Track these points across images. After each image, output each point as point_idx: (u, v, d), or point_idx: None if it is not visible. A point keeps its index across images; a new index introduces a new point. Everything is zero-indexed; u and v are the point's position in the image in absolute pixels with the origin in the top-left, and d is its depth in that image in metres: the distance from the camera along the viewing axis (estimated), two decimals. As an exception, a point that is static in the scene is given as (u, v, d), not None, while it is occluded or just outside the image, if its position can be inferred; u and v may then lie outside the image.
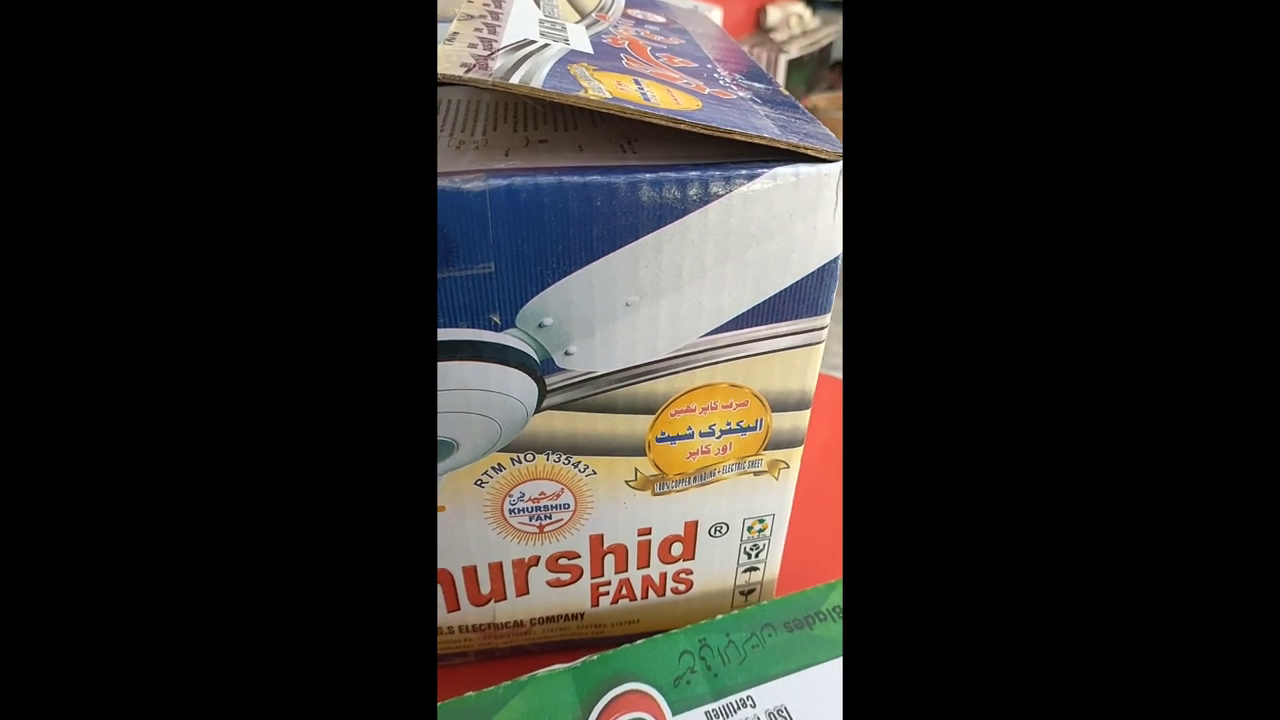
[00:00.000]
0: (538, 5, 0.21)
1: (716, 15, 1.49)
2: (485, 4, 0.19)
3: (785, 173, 0.15)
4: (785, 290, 0.16)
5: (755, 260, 0.16)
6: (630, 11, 0.24)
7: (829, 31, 1.90)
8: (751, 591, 0.23)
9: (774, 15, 1.83)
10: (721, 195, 0.15)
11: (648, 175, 0.14)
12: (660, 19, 0.25)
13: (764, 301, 0.16)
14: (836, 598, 0.22)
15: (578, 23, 0.21)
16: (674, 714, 0.19)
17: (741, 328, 0.17)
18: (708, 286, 0.16)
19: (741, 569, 0.22)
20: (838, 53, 2.00)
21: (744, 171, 0.15)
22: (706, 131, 0.14)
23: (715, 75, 0.19)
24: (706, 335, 0.16)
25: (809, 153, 0.15)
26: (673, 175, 0.14)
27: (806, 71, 1.82)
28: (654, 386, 0.17)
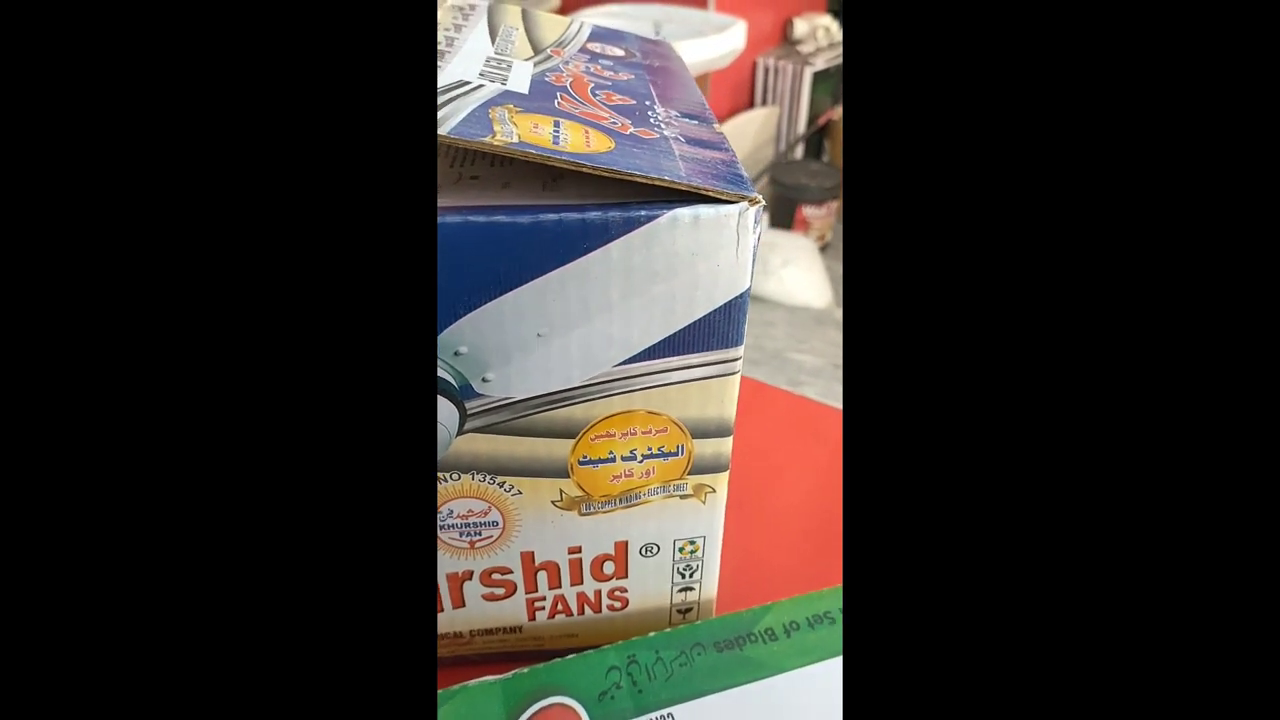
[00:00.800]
0: (492, 41, 0.22)
1: (740, 28, 1.50)
2: (437, 43, 0.20)
3: (685, 214, 0.15)
4: (694, 323, 0.17)
5: (661, 295, 0.16)
6: (590, 45, 0.25)
7: (856, 44, 1.90)
8: (689, 610, 0.23)
9: (800, 28, 1.83)
10: (623, 234, 0.15)
11: (550, 215, 0.15)
12: (619, 52, 0.25)
13: (674, 334, 0.17)
14: (770, 620, 0.22)
15: (528, 58, 0.21)
16: (594, 728, 0.19)
17: (654, 358, 0.17)
18: (616, 319, 0.16)
19: (676, 588, 0.22)
20: (865, 65, 1.98)
21: (643, 212, 0.15)
22: (607, 174, 0.15)
23: (649, 113, 0.19)
24: (620, 365, 0.17)
25: (710, 194, 0.16)
26: (575, 215, 0.15)
27: (832, 84, 1.82)
28: (572, 412, 0.18)
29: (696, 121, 0.20)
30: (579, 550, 0.21)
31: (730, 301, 0.17)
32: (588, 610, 0.22)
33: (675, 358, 0.17)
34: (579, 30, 0.27)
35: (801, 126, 1.83)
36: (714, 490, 0.20)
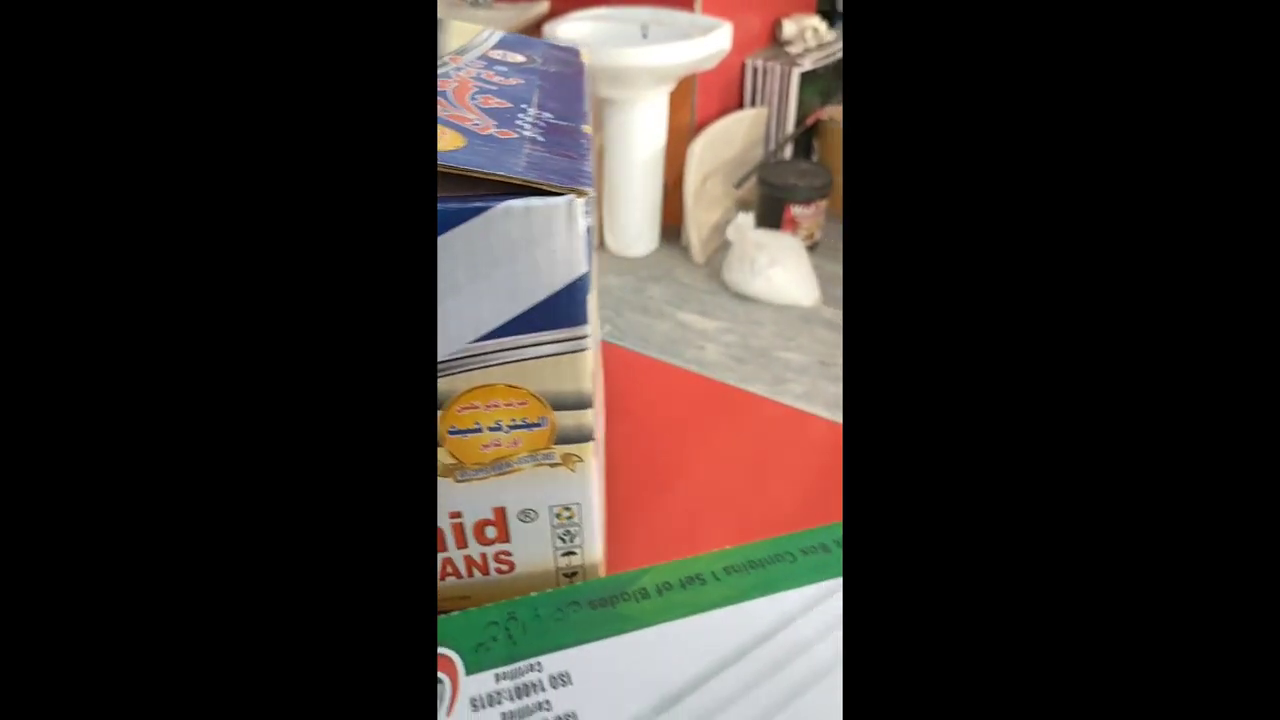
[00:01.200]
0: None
1: (726, 30, 1.51)
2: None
3: (517, 205, 0.17)
4: (539, 304, 0.19)
5: (504, 278, 0.18)
6: (491, 53, 0.27)
7: (845, 45, 1.91)
8: (574, 574, 0.25)
9: (789, 28, 1.84)
10: (462, 223, 0.17)
11: (394, 207, 0.17)
12: (520, 59, 0.27)
13: (522, 314, 0.19)
14: (645, 581, 0.24)
15: (421, 66, 0.23)
16: (468, 674, 0.21)
17: (505, 335, 0.19)
18: (465, 300, 0.18)
19: (559, 553, 0.24)
20: (855, 65, 2.00)
21: (478, 204, 0.17)
22: (449, 171, 0.17)
23: (519, 116, 0.21)
24: (474, 342, 0.19)
25: (542, 187, 0.18)
26: (416, 207, 0.17)
27: (821, 84, 1.83)
28: (436, 385, 0.20)
29: (566, 123, 0.22)
30: (459, 515, 0.22)
31: (570, 284, 0.19)
32: (476, 573, 0.24)
33: (526, 335, 0.19)
34: (487, 39, 0.28)
35: (790, 126, 1.84)
36: (582, 460, 0.22)
